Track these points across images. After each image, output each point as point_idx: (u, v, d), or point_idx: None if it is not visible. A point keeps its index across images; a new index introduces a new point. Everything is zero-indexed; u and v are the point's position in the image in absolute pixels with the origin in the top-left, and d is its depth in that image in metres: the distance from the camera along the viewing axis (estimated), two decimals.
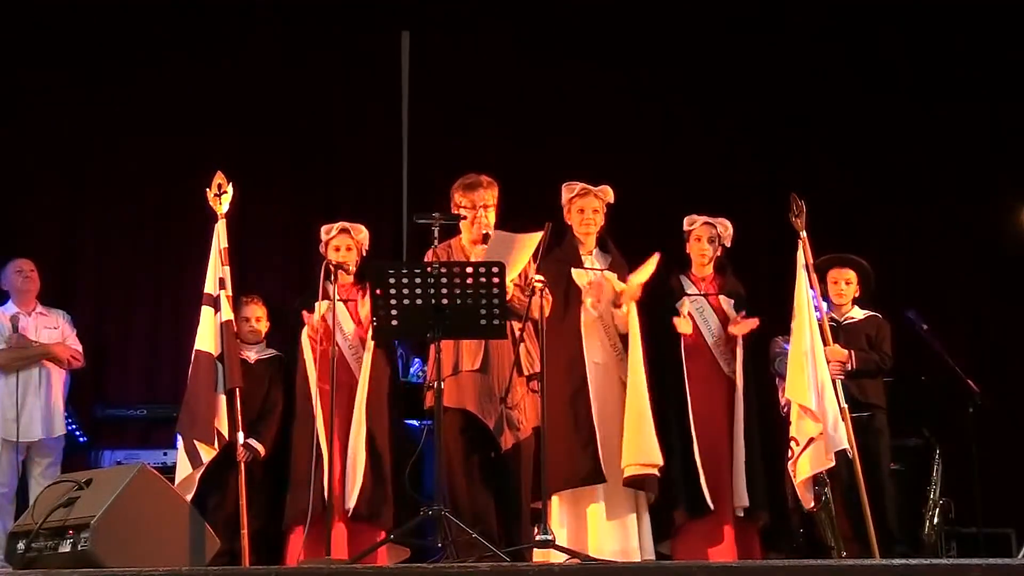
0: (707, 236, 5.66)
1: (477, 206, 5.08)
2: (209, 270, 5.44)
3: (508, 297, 4.74)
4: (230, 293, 5.44)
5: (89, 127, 7.45)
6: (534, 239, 4.75)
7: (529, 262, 4.90)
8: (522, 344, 4.93)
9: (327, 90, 7.72)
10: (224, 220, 5.49)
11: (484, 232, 5.01)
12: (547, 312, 4.96)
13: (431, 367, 4.78)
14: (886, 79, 7.70)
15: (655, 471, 5.15)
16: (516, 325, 4.86)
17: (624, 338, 5.34)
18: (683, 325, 5.54)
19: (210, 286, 5.41)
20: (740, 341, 5.55)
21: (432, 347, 4.49)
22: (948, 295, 7.41)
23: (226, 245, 5.46)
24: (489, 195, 5.11)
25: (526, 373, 5.01)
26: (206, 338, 5.32)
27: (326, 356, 5.20)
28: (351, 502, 5.27)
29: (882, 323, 5.83)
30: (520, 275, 4.94)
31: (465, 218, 5.06)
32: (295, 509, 5.26)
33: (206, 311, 5.38)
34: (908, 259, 7.44)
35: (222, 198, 5.48)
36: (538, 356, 4.98)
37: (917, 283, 7.27)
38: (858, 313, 5.85)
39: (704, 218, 5.70)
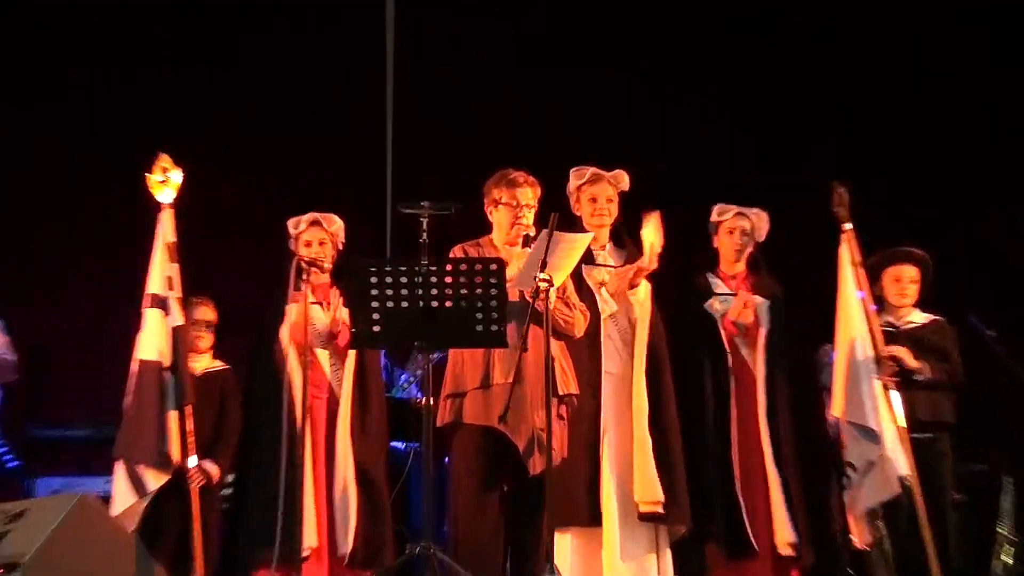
0: (740, 228, 5.53)
1: (520, 204, 4.96)
2: (154, 267, 5.28)
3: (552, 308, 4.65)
4: (179, 294, 5.30)
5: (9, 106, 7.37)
6: (583, 240, 4.69)
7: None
8: (555, 360, 4.77)
9: (299, 64, 7.64)
10: (170, 209, 5.33)
11: (525, 234, 4.90)
12: (582, 324, 4.94)
13: (447, 379, 4.81)
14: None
15: (659, 508, 5.03)
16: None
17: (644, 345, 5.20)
18: (740, 313, 5.40)
19: (156, 285, 5.26)
20: (761, 349, 5.39)
21: (421, 357, 4.41)
22: (1012, 296, 7.33)
23: (173, 239, 5.32)
24: (532, 194, 5.00)
25: (560, 393, 4.84)
26: (152, 345, 5.17)
27: (301, 361, 5.07)
28: (346, 546, 5.11)
29: (947, 328, 5.64)
30: (562, 286, 4.80)
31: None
32: (259, 553, 5.04)
33: (152, 314, 5.22)
34: (966, 255, 7.42)
35: (168, 183, 5.35)
36: (573, 374, 4.91)
37: (976, 283, 7.27)
38: (919, 317, 5.65)
39: (736, 208, 5.56)
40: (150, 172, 5.36)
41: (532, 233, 4.86)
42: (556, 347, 4.79)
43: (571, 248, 4.68)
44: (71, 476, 6.47)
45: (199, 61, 7.60)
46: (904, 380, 5.38)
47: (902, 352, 5.39)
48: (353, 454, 5.21)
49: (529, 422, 4.75)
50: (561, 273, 4.70)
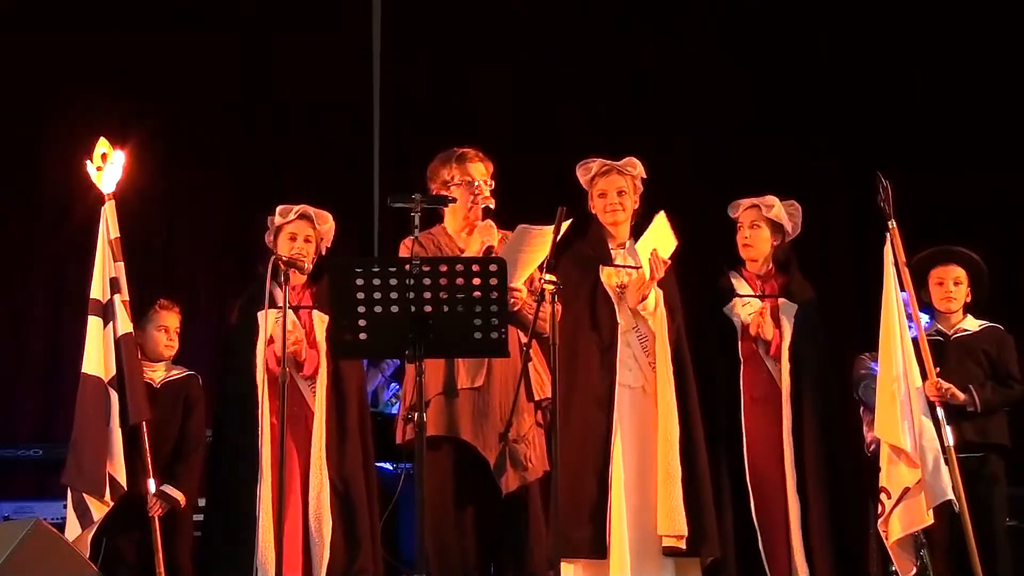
0: (764, 221, 5.53)
1: (477, 180, 4.96)
2: (96, 268, 5.26)
3: (518, 304, 4.69)
4: (126, 297, 5.27)
5: None
6: (549, 232, 4.64)
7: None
8: (530, 363, 4.78)
9: (275, 40, 7.67)
10: (113, 200, 5.31)
11: (485, 206, 4.89)
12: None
13: (408, 390, 4.68)
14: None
15: (682, 544, 5.04)
16: (523, 338, 4.74)
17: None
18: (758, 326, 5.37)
19: (98, 290, 5.24)
20: (786, 360, 5.37)
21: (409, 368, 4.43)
22: None
23: (117, 235, 5.28)
24: (484, 169, 5.00)
25: (536, 398, 4.86)
26: (92, 358, 5.15)
27: (274, 380, 5.00)
28: None
29: (1004, 337, 5.57)
30: (527, 278, 4.79)
31: (455, 200, 4.91)
32: None
33: (92, 323, 5.20)
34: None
35: (108, 171, 5.32)
36: (548, 378, 4.86)
37: None
38: (971, 324, 5.57)
39: (758, 200, 5.56)
40: (89, 159, 5.35)
41: (492, 205, 4.88)
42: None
43: (540, 241, 4.67)
44: (23, 500, 6.47)
45: (162, 29, 7.57)
46: (953, 410, 5.33)
47: (946, 387, 5.34)
48: (328, 473, 5.18)
49: (499, 433, 4.74)
50: (526, 269, 4.72)
